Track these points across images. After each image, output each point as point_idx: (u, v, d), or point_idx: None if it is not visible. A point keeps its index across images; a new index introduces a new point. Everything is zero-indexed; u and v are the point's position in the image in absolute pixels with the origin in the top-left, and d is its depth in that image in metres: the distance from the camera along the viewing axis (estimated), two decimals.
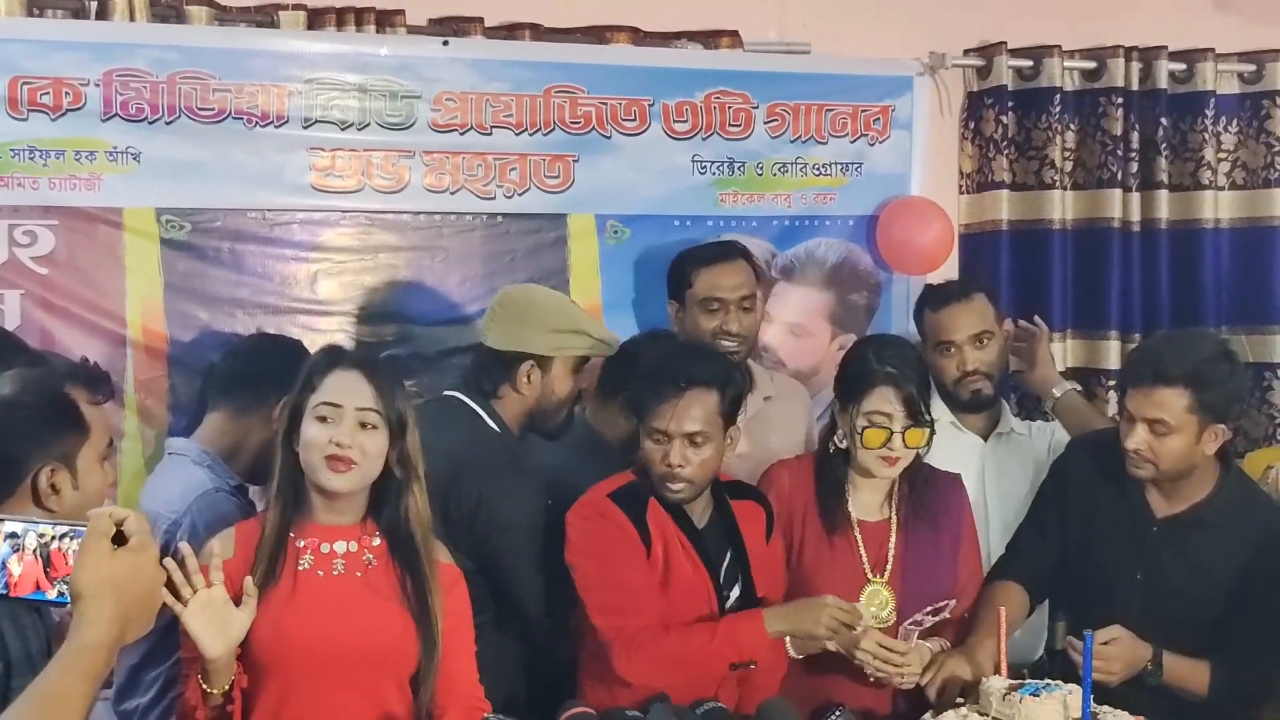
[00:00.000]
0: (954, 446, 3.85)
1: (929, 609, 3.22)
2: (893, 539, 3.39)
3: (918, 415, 3.28)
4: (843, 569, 3.34)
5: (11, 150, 3.74)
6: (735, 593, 3.20)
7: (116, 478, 2.66)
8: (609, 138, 4.31)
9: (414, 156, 4.13)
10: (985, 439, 3.96)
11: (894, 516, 3.39)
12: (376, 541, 2.89)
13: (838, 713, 2.91)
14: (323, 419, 2.80)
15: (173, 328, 3.92)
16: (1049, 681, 3.08)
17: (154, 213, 3.90)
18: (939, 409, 3.82)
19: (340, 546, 2.87)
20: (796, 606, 3.07)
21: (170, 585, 2.45)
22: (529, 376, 3.45)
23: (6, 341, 3.22)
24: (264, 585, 2.75)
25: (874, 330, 4.56)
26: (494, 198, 4.21)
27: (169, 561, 2.46)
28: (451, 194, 4.17)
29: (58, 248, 3.81)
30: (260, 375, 3.49)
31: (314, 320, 4.06)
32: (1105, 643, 3.18)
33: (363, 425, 2.81)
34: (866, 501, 3.38)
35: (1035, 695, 2.98)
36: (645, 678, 2.97)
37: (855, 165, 4.60)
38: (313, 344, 3.86)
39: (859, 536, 3.38)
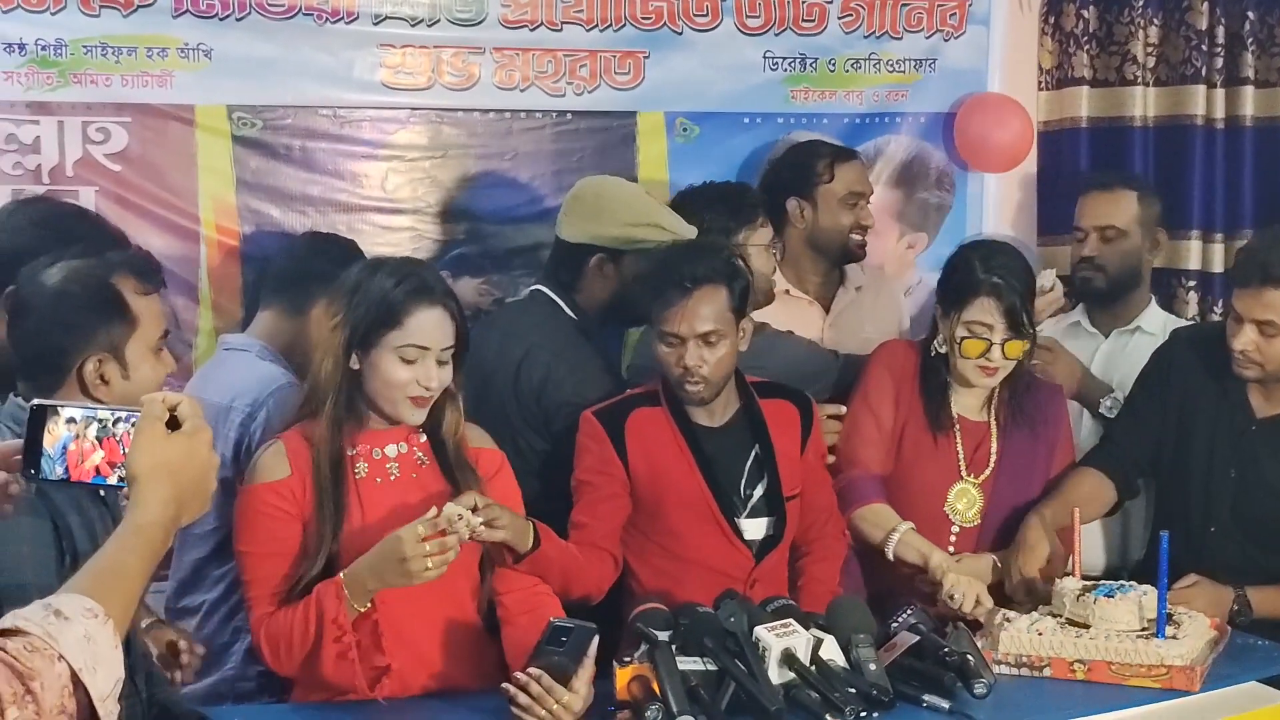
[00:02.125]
0: (1070, 345, 3.87)
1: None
2: (992, 442, 3.38)
3: (1019, 327, 3.26)
4: (939, 466, 3.37)
5: (84, 47, 3.73)
6: (759, 492, 3.21)
7: (176, 368, 2.62)
8: (680, 33, 4.24)
9: (484, 53, 4.08)
10: (1107, 336, 3.93)
11: (993, 420, 3.38)
12: (423, 439, 2.92)
13: (909, 610, 2.91)
14: (410, 361, 2.79)
15: (245, 225, 3.93)
16: (1123, 583, 3.07)
17: (225, 110, 3.89)
18: (1070, 314, 3.83)
19: (392, 450, 2.90)
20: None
21: None
22: (601, 269, 3.44)
23: (85, 223, 3.21)
24: (325, 504, 2.77)
25: (946, 230, 4.52)
26: (564, 95, 4.17)
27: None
28: (521, 91, 4.13)
29: (131, 145, 3.80)
30: (311, 274, 3.50)
31: (385, 218, 4.05)
32: (1185, 588, 3.16)
33: (441, 362, 2.83)
34: (968, 403, 3.40)
35: (1110, 596, 2.98)
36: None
37: (929, 61, 4.52)
38: (385, 242, 3.91)
39: (959, 435, 3.38)
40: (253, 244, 3.92)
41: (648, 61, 4.23)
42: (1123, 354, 3.91)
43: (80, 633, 1.49)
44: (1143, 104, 4.66)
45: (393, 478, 2.88)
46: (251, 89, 3.90)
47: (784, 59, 4.38)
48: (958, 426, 3.40)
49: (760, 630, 2.68)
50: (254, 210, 3.94)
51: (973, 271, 3.30)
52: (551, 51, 4.14)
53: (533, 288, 3.57)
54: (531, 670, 2.54)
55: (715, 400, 3.17)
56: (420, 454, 2.92)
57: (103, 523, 2.33)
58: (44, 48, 3.70)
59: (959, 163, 4.57)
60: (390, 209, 4.06)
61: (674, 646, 2.65)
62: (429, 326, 2.81)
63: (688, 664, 2.62)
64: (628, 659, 2.64)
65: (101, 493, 2.32)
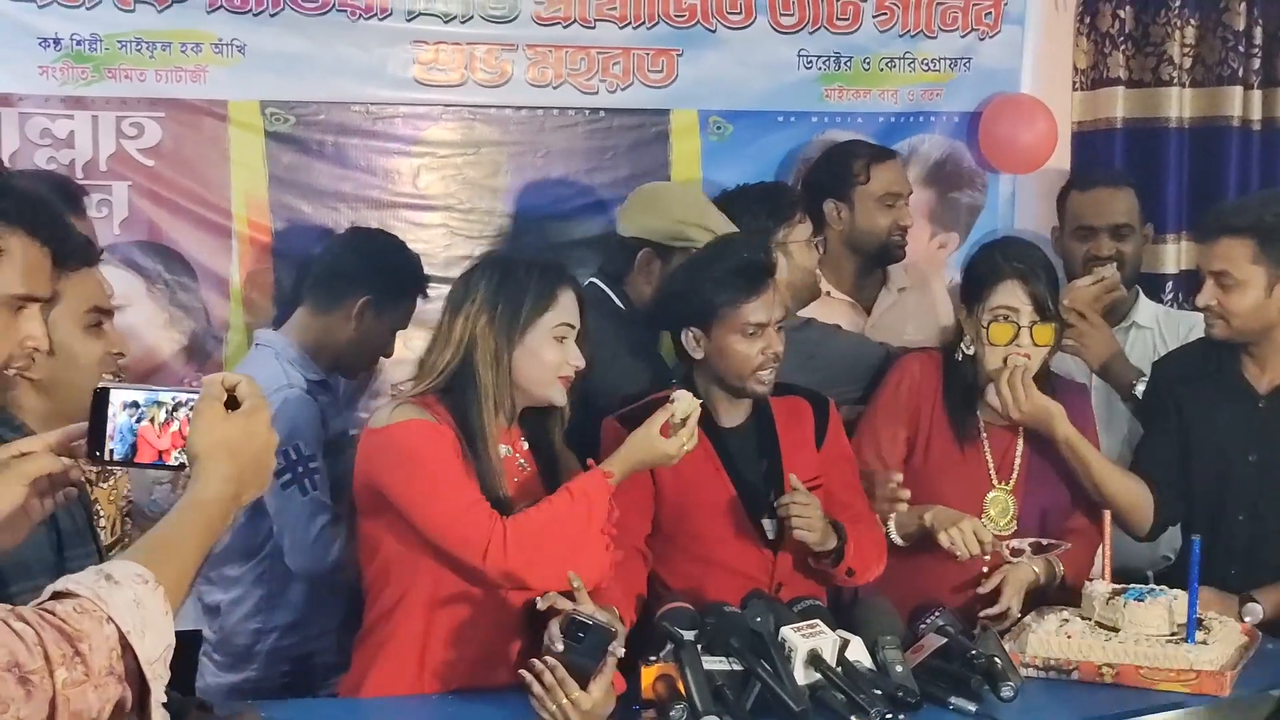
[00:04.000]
0: None
1: (1035, 540, 3.19)
2: (1019, 447, 3.36)
3: (1045, 310, 3.25)
4: (969, 475, 3.34)
5: (119, 42, 3.75)
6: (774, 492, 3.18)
7: (126, 347, 2.54)
8: (714, 31, 4.24)
9: (517, 50, 4.09)
10: None
11: (1021, 425, 3.35)
12: (525, 445, 2.95)
13: (937, 613, 2.89)
14: (561, 339, 2.87)
15: (277, 221, 3.94)
16: (1154, 586, 3.06)
17: (259, 105, 3.90)
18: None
19: (503, 449, 2.91)
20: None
21: None
22: (649, 263, 3.45)
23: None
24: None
25: (977, 230, 4.50)
26: (596, 92, 4.17)
27: None
28: (554, 88, 4.14)
29: (164, 140, 3.82)
30: (348, 271, 3.52)
31: (416, 215, 4.06)
32: None
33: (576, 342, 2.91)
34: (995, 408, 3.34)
35: (1140, 600, 2.96)
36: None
37: (964, 60, 4.50)
38: (416, 239, 3.91)
39: (986, 443, 3.35)
40: (285, 240, 3.94)
41: (681, 59, 4.23)
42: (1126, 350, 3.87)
43: (130, 596, 1.50)
44: (1179, 105, 4.63)
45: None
46: (285, 84, 3.92)
47: (818, 57, 4.37)
48: (985, 434, 3.37)
49: (786, 631, 2.67)
50: (286, 206, 3.95)
51: (995, 262, 3.31)
52: (584, 49, 4.14)
53: (589, 280, 3.56)
54: (549, 660, 2.53)
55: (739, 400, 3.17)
56: (522, 460, 2.95)
57: (80, 504, 2.28)
58: (79, 42, 3.72)
59: (982, 164, 4.55)
60: (422, 205, 4.07)
61: (699, 646, 2.65)
62: (572, 306, 2.90)
63: (713, 664, 2.62)
64: (653, 658, 2.64)
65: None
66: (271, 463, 1.80)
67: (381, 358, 3.71)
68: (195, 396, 1.80)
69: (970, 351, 3.34)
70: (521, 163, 4.15)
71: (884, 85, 4.44)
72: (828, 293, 3.96)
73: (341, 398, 3.70)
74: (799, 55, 4.34)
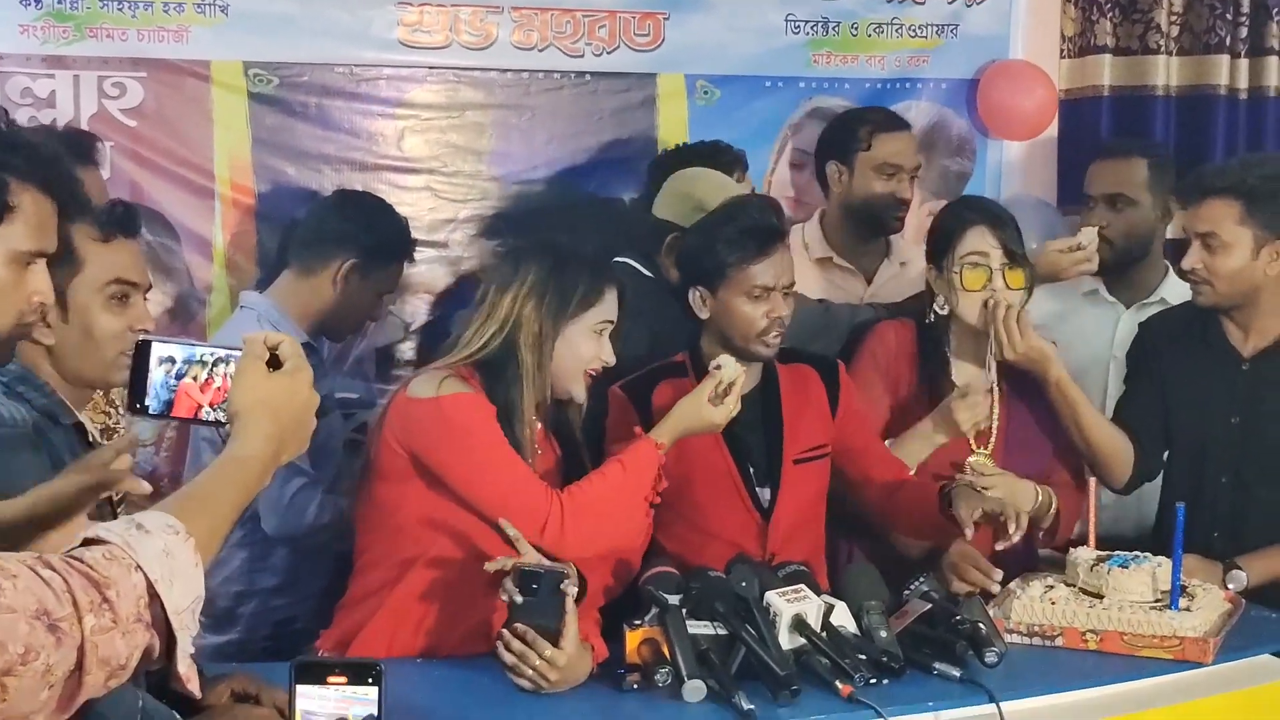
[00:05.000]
0: (1090, 315, 3.83)
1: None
2: (995, 410, 3.35)
3: (1014, 255, 3.25)
4: (948, 441, 3.31)
5: (100, 1, 3.72)
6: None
7: (151, 325, 2.42)
8: None
9: (502, 13, 4.06)
10: (1129, 307, 3.89)
11: (995, 388, 3.34)
12: (539, 426, 2.96)
13: (922, 579, 2.89)
14: (600, 333, 2.91)
15: (260, 183, 3.92)
16: (1137, 553, 3.05)
17: (241, 66, 3.87)
18: (1087, 280, 3.80)
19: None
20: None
21: None
22: (676, 247, 3.42)
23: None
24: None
25: None
26: (582, 56, 4.15)
27: None
28: (539, 51, 4.11)
29: (146, 100, 3.79)
30: (334, 234, 3.50)
31: (400, 177, 4.03)
32: None
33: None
34: (970, 372, 3.34)
35: (1124, 567, 2.96)
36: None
37: (951, 27, 4.50)
38: (399, 202, 3.89)
39: None
40: (268, 202, 3.91)
41: (668, 23, 4.20)
42: None
43: (160, 546, 1.50)
44: (1165, 73, 4.61)
45: None
46: (268, 45, 3.89)
47: (806, 22, 4.35)
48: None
49: (771, 595, 2.67)
50: (269, 168, 3.92)
51: (958, 212, 3.36)
52: (570, 12, 4.11)
53: (616, 260, 3.50)
54: (517, 627, 2.54)
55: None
56: (538, 446, 2.95)
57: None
58: (60, 1, 3.68)
59: (980, 130, 4.54)
60: (406, 168, 4.05)
61: (684, 610, 2.64)
62: (614, 303, 2.94)
63: (698, 628, 2.61)
64: (638, 622, 2.64)
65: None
66: (312, 423, 1.80)
67: (368, 321, 3.69)
68: (233, 353, 1.81)
69: (943, 311, 3.33)
70: (506, 126, 4.12)
71: (872, 51, 4.43)
72: (830, 259, 3.96)
73: (327, 361, 3.68)
74: (787, 20, 4.33)
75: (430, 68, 4.05)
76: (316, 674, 1.80)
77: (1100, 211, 3.83)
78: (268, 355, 1.78)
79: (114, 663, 1.42)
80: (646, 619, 2.64)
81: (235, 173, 3.88)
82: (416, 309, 4.06)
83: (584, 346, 2.90)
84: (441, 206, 4.05)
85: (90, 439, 2.33)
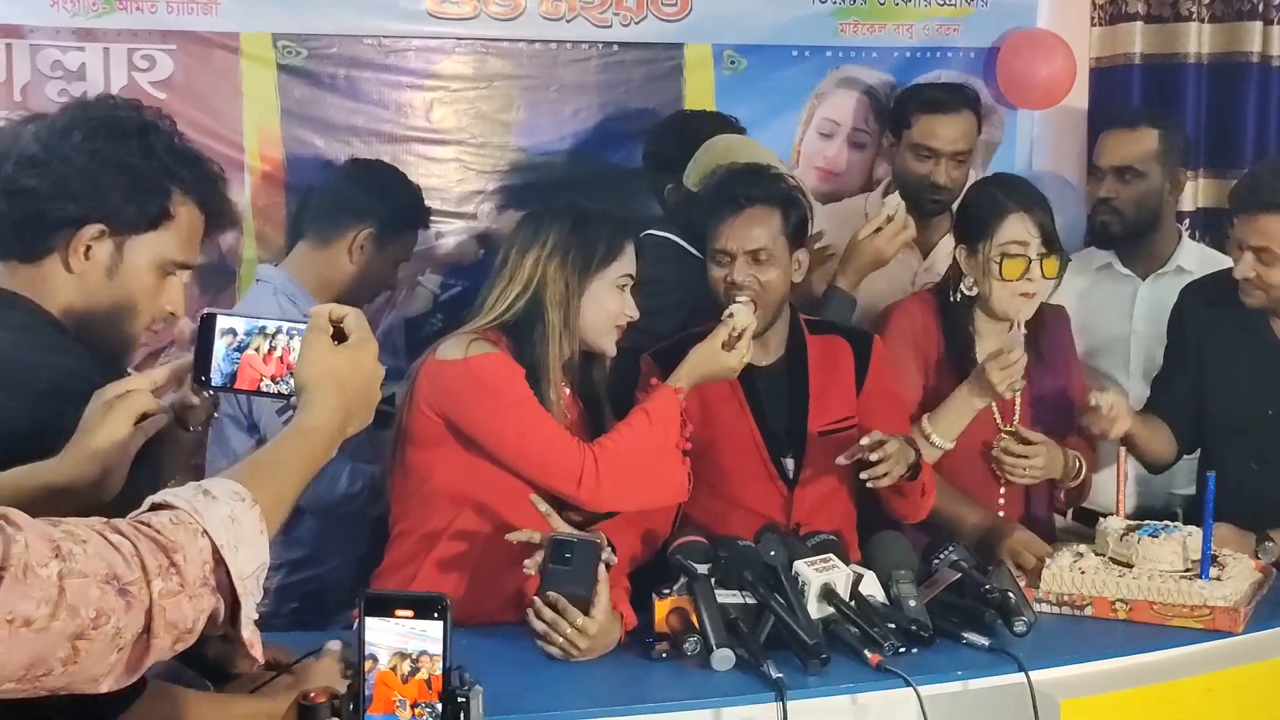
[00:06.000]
0: (1106, 289, 3.80)
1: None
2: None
3: (1052, 243, 3.23)
4: (976, 421, 3.29)
5: None
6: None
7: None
8: None
9: None
10: (1145, 278, 3.86)
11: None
12: (568, 391, 2.98)
13: (951, 548, 2.89)
14: (622, 288, 2.96)
15: (289, 154, 3.93)
16: (1168, 523, 3.05)
17: (270, 38, 3.88)
18: (1100, 255, 3.77)
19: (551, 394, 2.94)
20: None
21: None
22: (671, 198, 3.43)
23: None
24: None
25: (995, 167, 4.46)
26: (610, 26, 4.14)
27: None
28: (567, 22, 4.11)
29: (176, 72, 3.81)
30: (348, 203, 3.50)
31: (429, 149, 4.04)
32: None
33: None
34: (991, 349, 3.31)
35: (1154, 536, 2.96)
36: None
37: None
38: (428, 173, 3.89)
39: None
40: (296, 174, 3.92)
41: None
42: (1168, 296, 3.77)
43: (226, 512, 1.51)
44: (1197, 40, 4.57)
45: None
46: (297, 17, 3.90)
47: None
48: None
49: (800, 565, 2.67)
50: (298, 139, 3.93)
51: (995, 197, 3.30)
52: None
53: (645, 233, 3.46)
54: (549, 595, 2.56)
55: (769, 334, 3.15)
56: (565, 404, 2.96)
57: None
58: None
59: (1000, 99, 4.51)
60: (434, 140, 4.05)
61: (713, 580, 2.65)
62: (633, 258, 2.99)
63: (727, 597, 2.62)
64: (667, 591, 2.65)
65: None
66: (377, 395, 1.83)
67: (386, 290, 3.70)
68: (296, 325, 1.84)
69: (972, 293, 3.31)
70: (534, 97, 4.12)
71: (900, 20, 4.40)
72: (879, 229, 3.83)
73: None
74: None
75: (458, 39, 4.05)
76: (384, 607, 1.82)
77: (1109, 183, 3.79)
78: (332, 329, 1.80)
79: (181, 626, 1.44)
80: (675, 588, 2.66)
81: (264, 145, 3.90)
82: (445, 280, 4.07)
83: (610, 301, 2.95)
84: (470, 178, 4.06)
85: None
